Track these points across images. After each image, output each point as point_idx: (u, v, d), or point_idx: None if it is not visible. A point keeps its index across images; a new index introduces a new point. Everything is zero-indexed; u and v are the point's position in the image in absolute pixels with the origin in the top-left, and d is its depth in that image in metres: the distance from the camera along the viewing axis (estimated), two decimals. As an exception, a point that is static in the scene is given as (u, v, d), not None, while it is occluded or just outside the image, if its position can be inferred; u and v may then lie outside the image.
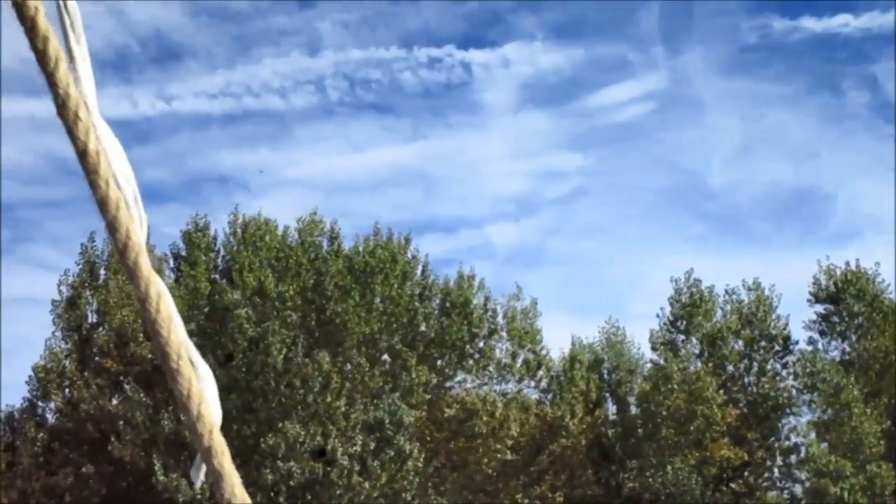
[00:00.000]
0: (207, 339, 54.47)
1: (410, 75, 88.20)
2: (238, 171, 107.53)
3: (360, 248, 58.83)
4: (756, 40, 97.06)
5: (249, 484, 44.83)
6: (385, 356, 57.71)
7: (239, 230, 59.17)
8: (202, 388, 2.44)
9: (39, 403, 60.97)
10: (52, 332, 60.74)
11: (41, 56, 2.30)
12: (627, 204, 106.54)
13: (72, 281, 61.30)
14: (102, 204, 2.35)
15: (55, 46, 2.31)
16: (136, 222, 2.40)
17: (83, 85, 2.37)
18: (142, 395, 54.60)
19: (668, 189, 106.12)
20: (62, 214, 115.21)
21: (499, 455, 57.49)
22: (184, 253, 60.13)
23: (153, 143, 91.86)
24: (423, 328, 58.73)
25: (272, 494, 51.26)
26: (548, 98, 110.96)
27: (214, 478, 2.40)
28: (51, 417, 60.73)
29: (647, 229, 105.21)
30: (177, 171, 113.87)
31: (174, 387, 2.41)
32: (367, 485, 52.01)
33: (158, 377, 54.09)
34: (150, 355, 55.29)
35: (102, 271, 61.38)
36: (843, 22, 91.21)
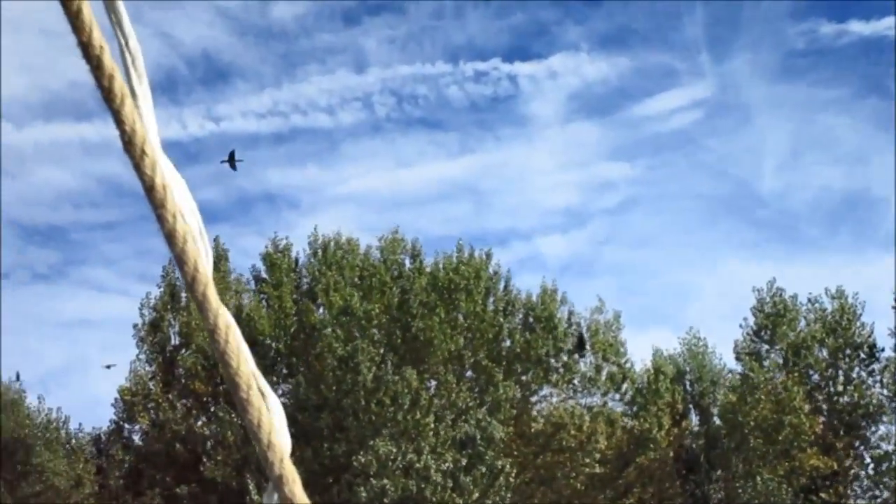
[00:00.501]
0: (296, 358, 54.76)
1: (457, 89, 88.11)
2: (287, 189, 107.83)
3: (441, 265, 58.92)
4: (803, 45, 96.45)
5: (343, 502, 44.70)
6: (469, 372, 57.66)
7: (319, 250, 59.36)
8: (272, 417, 2.44)
9: (126, 426, 61.67)
10: (136, 356, 61.55)
11: (107, 93, 2.31)
12: (678, 212, 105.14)
13: (153, 304, 61.99)
14: (170, 237, 2.36)
15: (120, 84, 2.33)
16: (203, 255, 2.41)
17: (146, 121, 2.39)
18: (232, 415, 54.85)
19: (718, 196, 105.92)
20: (114, 236, 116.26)
21: (587, 468, 57.23)
22: (264, 275, 60.39)
23: (203, 164, 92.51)
24: (507, 343, 58.66)
25: (367, 512, 51.38)
26: (595, 108, 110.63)
27: (286, 505, 2.42)
28: (137, 439, 61.34)
29: (699, 237, 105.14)
30: (226, 191, 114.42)
31: (244, 417, 2.42)
32: (459, 501, 51.96)
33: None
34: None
35: (184, 294, 61.94)
36: (890, 24, 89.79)
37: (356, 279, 57.34)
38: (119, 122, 2.32)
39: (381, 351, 54.81)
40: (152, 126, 2.40)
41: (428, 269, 58.70)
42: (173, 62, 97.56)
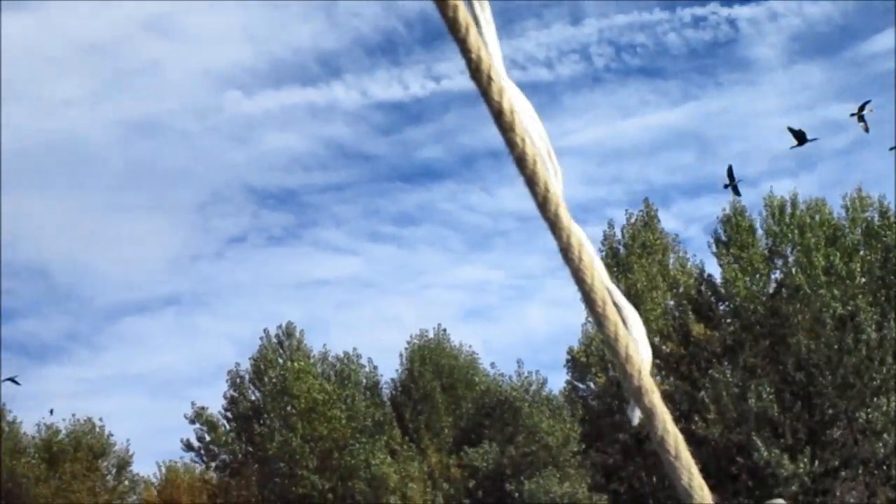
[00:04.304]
0: (776, 319, 53.85)
1: (675, 36, 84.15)
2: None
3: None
4: None
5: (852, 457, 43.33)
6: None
7: (776, 211, 57.66)
8: (629, 329, 2.42)
9: (580, 385, 62.25)
10: (587, 318, 61.81)
11: (452, 24, 2.34)
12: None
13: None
14: (520, 160, 2.37)
15: (464, 14, 2.35)
16: (552, 176, 2.42)
17: (491, 49, 2.41)
18: (728, 374, 54.20)
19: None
20: (344, 197, 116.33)
21: None
22: (724, 238, 59.07)
23: (426, 123, 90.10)
24: None
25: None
26: (819, 49, 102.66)
27: (646, 415, 2.39)
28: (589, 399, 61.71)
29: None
30: (450, 149, 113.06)
31: (601, 331, 2.41)
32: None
33: (739, 357, 54.15)
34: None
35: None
36: None
37: (823, 239, 55.85)
38: (465, 51, 2.35)
39: (883, 309, 53.48)
40: (497, 53, 2.42)
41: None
42: (392, 24, 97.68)
